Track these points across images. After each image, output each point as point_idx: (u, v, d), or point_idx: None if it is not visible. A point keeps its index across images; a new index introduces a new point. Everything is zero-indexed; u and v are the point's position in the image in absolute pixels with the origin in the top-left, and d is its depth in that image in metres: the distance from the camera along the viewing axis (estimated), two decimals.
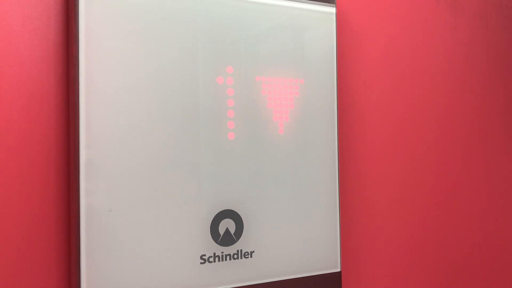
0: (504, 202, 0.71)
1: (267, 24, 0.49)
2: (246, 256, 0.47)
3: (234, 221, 0.47)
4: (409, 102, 0.62)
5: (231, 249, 0.47)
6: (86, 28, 0.40)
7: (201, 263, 0.45)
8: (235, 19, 0.47)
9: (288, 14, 0.50)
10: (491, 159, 0.69)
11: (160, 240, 0.43)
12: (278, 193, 0.49)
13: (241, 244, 0.47)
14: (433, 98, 0.64)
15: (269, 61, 0.49)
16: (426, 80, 0.64)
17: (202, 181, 0.45)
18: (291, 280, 0.49)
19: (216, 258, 0.46)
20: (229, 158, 0.46)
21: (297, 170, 0.50)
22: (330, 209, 0.52)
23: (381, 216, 0.60)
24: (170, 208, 0.43)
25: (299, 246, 0.50)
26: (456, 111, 0.66)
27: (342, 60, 0.57)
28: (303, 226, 0.50)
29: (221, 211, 0.46)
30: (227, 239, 0.46)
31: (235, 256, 0.47)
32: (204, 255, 0.45)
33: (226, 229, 0.46)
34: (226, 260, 0.46)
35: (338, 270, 0.52)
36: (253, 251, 0.48)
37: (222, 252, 0.46)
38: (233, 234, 0.47)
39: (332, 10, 0.53)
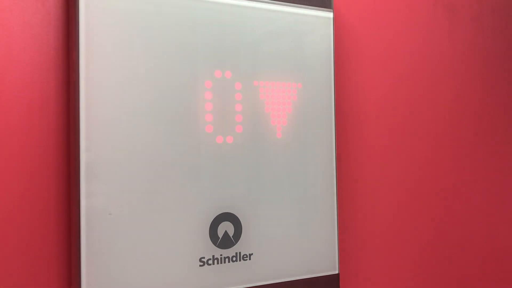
0: (505, 206, 0.71)
1: (265, 29, 0.49)
2: (245, 258, 0.48)
3: (232, 224, 0.47)
4: (407, 106, 0.63)
5: (229, 252, 0.47)
6: (86, 34, 0.41)
7: (200, 265, 0.45)
8: (233, 25, 0.47)
9: (285, 19, 0.50)
10: (489, 165, 0.69)
11: (160, 243, 0.43)
12: (276, 196, 0.49)
13: (240, 247, 0.48)
14: (431, 102, 0.65)
15: (266, 66, 0.49)
16: (424, 84, 0.64)
17: (201, 184, 0.46)
18: (289, 282, 0.50)
19: (215, 261, 0.46)
20: (228, 161, 0.47)
21: (295, 174, 0.50)
22: (328, 211, 0.52)
23: (379, 218, 0.60)
24: (169, 211, 0.44)
25: (297, 249, 0.51)
26: (455, 115, 0.67)
27: (339, 64, 0.57)
28: (301, 228, 0.51)
29: (219, 214, 0.47)
30: (226, 242, 0.47)
31: (234, 259, 0.47)
32: (203, 257, 0.46)
33: (225, 232, 0.47)
34: (225, 262, 0.47)
35: (336, 272, 0.53)
36: (252, 254, 0.48)
37: (221, 255, 0.47)
38: (232, 236, 0.47)
39: (330, 15, 0.53)
